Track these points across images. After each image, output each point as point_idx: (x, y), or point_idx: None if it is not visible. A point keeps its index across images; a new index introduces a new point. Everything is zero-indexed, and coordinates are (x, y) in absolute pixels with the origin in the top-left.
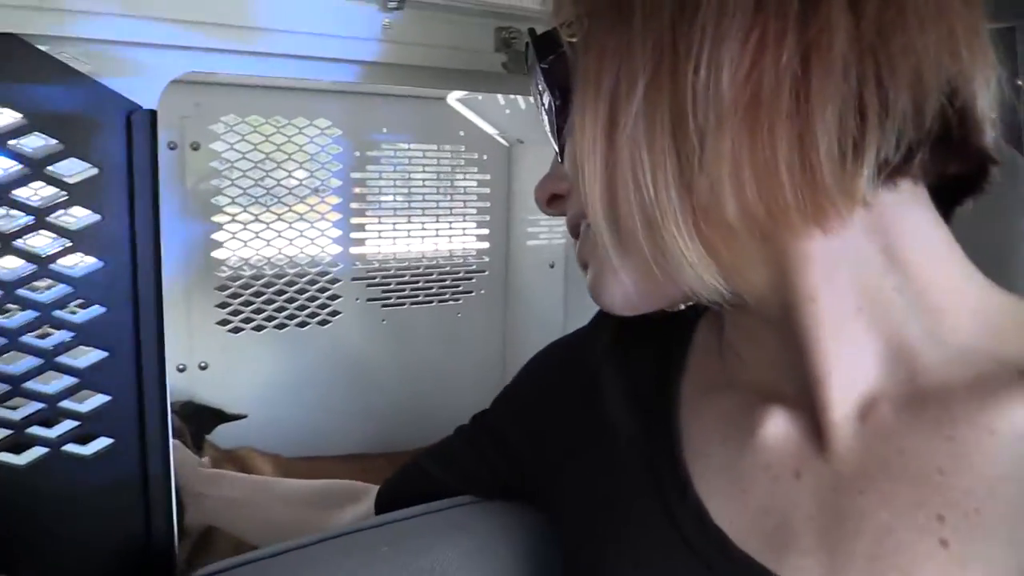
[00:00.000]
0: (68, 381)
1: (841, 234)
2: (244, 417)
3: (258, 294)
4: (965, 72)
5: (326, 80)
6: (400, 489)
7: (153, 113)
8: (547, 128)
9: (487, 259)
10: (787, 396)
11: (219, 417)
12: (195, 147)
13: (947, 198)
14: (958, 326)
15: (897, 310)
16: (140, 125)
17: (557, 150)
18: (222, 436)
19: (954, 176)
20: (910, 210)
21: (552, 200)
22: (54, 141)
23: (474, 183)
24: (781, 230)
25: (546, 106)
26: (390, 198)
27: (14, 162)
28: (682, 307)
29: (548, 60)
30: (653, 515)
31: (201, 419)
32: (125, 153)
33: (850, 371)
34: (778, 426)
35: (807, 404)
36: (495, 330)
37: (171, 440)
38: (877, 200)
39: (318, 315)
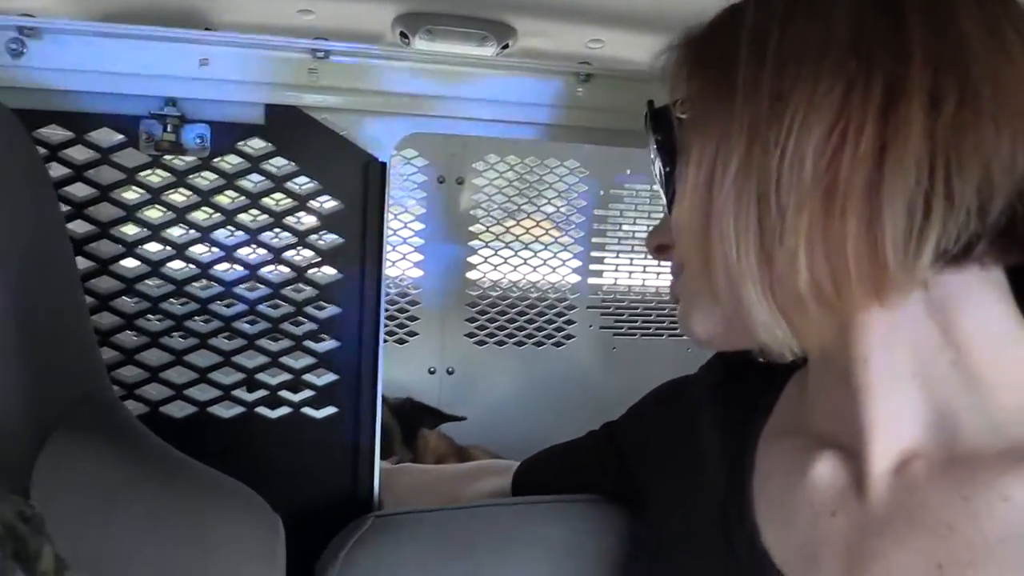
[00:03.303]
0: (309, 360)
1: (902, 308)
2: (463, 419)
3: (503, 313)
4: None
5: (529, 139)
6: (533, 470)
7: (383, 164)
8: (659, 187)
9: None
10: (840, 444)
11: (439, 416)
12: (459, 182)
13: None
14: (1005, 403)
15: (949, 382)
16: (374, 173)
17: (666, 206)
18: (461, 434)
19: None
20: (974, 292)
21: (660, 248)
22: (315, 182)
23: None
24: (845, 302)
25: (658, 169)
26: (628, 234)
27: (289, 198)
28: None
29: (661, 131)
30: (714, 532)
31: (420, 417)
32: (362, 193)
33: (895, 430)
34: (826, 470)
35: (854, 453)
36: None
37: (380, 416)
38: (941, 281)
39: (554, 336)
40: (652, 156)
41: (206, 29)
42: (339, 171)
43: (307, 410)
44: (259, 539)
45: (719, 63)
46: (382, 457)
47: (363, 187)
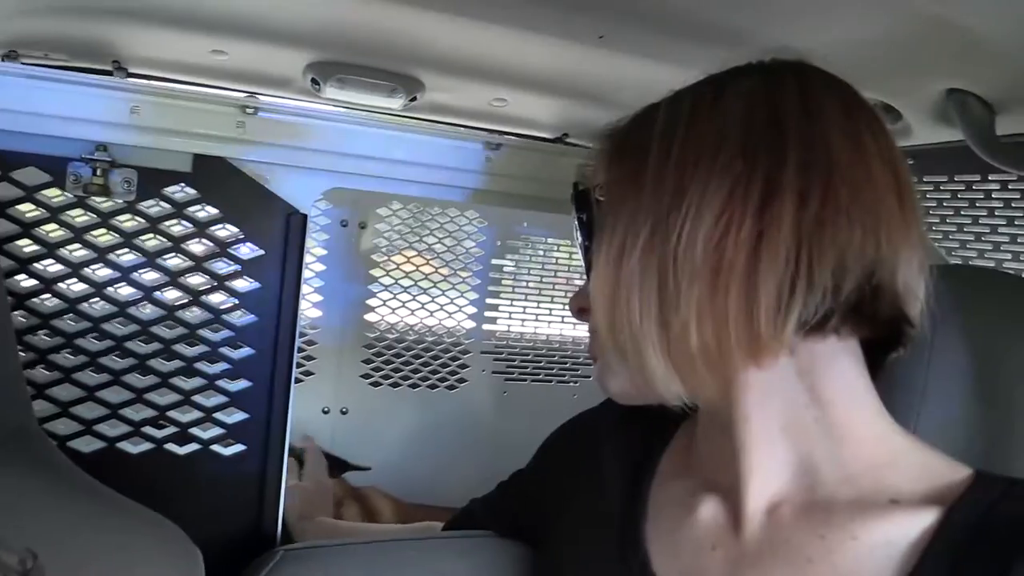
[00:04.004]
0: (221, 399)
1: (775, 371)
2: (368, 468)
3: (399, 355)
4: (885, 259)
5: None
6: (455, 525)
7: (304, 216)
8: (580, 257)
9: None
10: (722, 487)
11: (343, 466)
12: (362, 225)
13: (878, 348)
14: (857, 455)
15: (812, 436)
16: (295, 224)
17: (584, 275)
18: (353, 476)
19: (871, 337)
20: (835, 358)
21: (580, 311)
22: (237, 229)
23: None
24: (728, 362)
25: (579, 242)
26: (523, 283)
27: (210, 243)
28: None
29: (583, 210)
30: (612, 562)
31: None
32: (283, 242)
33: (767, 476)
34: (709, 510)
35: (733, 496)
36: None
37: (287, 456)
38: (806, 348)
39: (448, 380)
40: (574, 230)
41: (115, 63)
42: (261, 220)
43: (216, 447)
44: (182, 572)
45: (633, 157)
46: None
47: (284, 236)
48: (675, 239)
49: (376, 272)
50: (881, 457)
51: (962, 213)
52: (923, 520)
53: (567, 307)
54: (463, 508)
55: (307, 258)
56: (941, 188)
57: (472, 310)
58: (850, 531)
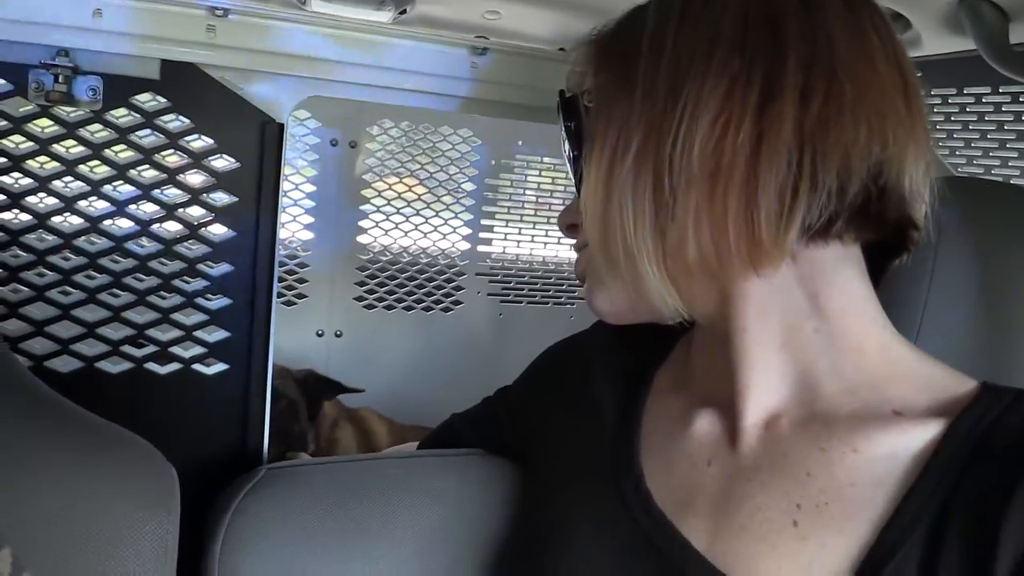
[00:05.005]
0: (201, 317)
1: (774, 280)
2: (361, 391)
3: (392, 277)
4: (891, 158)
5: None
6: (436, 437)
7: (281, 126)
8: (568, 169)
9: None
10: (717, 402)
11: (338, 388)
12: (353, 145)
13: (880, 256)
14: (860, 366)
15: (812, 348)
16: (271, 134)
17: (575, 187)
18: (347, 397)
19: (876, 240)
20: (838, 266)
21: (570, 228)
22: (210, 140)
23: None
24: (726, 271)
25: (567, 153)
26: (518, 204)
27: (183, 155)
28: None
29: (570, 119)
30: (606, 480)
31: (320, 389)
32: (258, 153)
33: (765, 390)
34: (704, 425)
35: (730, 410)
36: None
37: (271, 372)
38: (808, 255)
39: (443, 302)
40: (562, 140)
41: None
42: (235, 130)
43: (198, 367)
44: (155, 490)
45: (622, 59)
46: (288, 432)
47: (259, 147)
48: (670, 143)
49: (368, 192)
50: (884, 368)
51: (971, 127)
52: (927, 432)
53: None
54: (443, 422)
55: (297, 178)
56: (949, 101)
57: (467, 231)
58: (851, 443)
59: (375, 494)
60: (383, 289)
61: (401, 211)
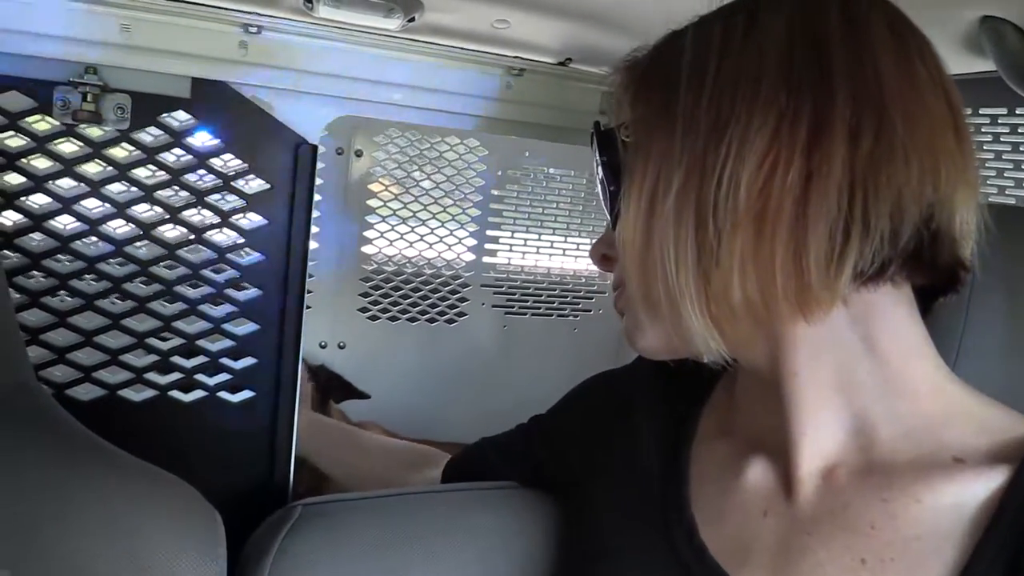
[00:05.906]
0: (228, 344)
1: (825, 323)
2: (368, 397)
3: (396, 288)
4: (943, 200)
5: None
6: (464, 464)
7: (314, 147)
8: (603, 201)
9: (609, 282)
10: (769, 449)
11: (347, 390)
12: (359, 154)
13: (926, 292)
14: (916, 409)
15: (867, 391)
16: (304, 156)
17: (609, 220)
18: (352, 410)
19: (925, 284)
20: (890, 307)
21: (603, 259)
22: (241, 162)
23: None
24: (774, 317)
25: (602, 186)
26: (523, 215)
27: (213, 176)
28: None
29: (606, 152)
30: (654, 525)
31: (331, 386)
32: (291, 175)
33: (820, 437)
34: (757, 473)
35: (783, 458)
36: (608, 350)
37: (298, 401)
38: (859, 298)
39: (447, 314)
40: (597, 174)
41: None
42: (268, 151)
43: (223, 394)
44: (201, 536)
45: (661, 91)
46: None
47: (292, 169)
48: (714, 184)
49: (373, 203)
50: (940, 410)
51: (985, 147)
52: (991, 480)
53: (568, 240)
54: (473, 445)
55: None
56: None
57: (472, 242)
58: (913, 494)
59: (414, 532)
60: (387, 300)
61: (406, 221)
